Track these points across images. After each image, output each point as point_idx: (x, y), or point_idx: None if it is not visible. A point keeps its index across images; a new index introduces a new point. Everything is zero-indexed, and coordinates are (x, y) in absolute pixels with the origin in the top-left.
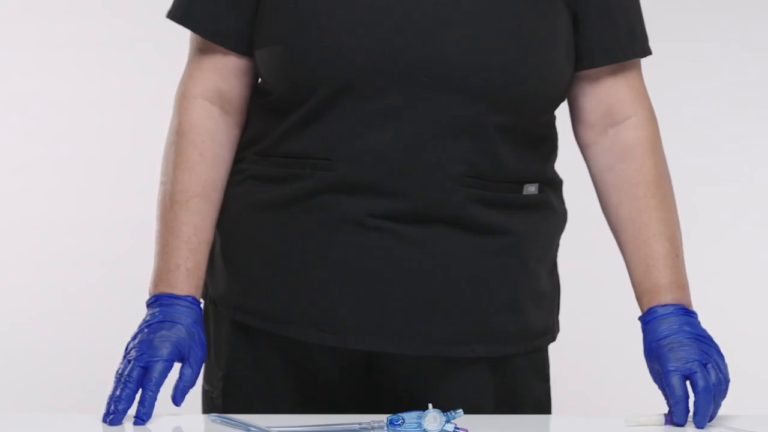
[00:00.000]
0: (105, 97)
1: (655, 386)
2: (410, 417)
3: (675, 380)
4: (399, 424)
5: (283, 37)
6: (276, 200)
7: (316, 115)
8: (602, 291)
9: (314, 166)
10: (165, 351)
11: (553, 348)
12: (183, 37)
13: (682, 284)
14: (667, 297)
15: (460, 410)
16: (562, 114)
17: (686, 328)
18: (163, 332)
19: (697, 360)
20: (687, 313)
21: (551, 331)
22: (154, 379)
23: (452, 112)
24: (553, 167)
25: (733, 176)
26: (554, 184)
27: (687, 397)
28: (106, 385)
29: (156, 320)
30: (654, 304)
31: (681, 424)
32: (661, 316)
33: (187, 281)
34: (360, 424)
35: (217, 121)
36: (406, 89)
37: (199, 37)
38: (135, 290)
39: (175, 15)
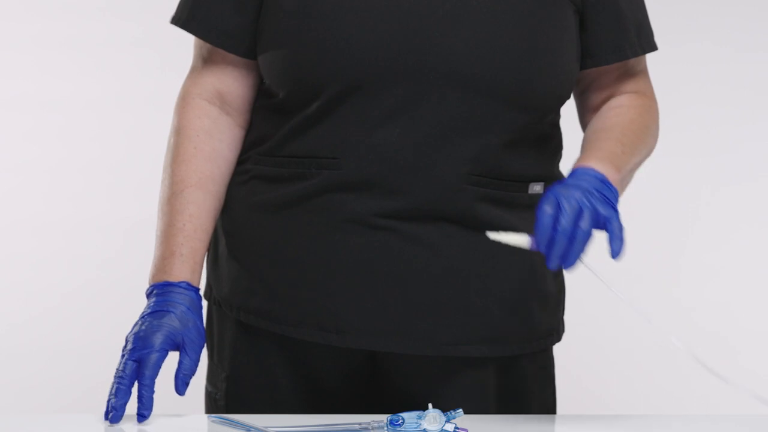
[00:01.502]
0: (104, 97)
1: (660, 387)
2: (410, 417)
3: (545, 206)
4: (399, 424)
5: (287, 40)
6: (281, 200)
7: (322, 115)
8: (606, 291)
9: (320, 166)
10: (156, 341)
11: (556, 348)
12: (183, 38)
13: (616, 166)
14: (595, 164)
15: (460, 410)
16: (566, 113)
17: (593, 184)
18: (154, 323)
19: (575, 199)
20: (603, 181)
21: (556, 331)
22: (147, 373)
23: (458, 111)
24: (558, 166)
25: (740, 176)
26: None
27: (551, 227)
28: (103, 385)
29: (149, 311)
30: (577, 165)
31: (540, 250)
32: (576, 172)
33: (182, 267)
34: (360, 424)
35: (215, 119)
36: (413, 88)
37: (201, 42)
38: (131, 290)
39: (178, 20)
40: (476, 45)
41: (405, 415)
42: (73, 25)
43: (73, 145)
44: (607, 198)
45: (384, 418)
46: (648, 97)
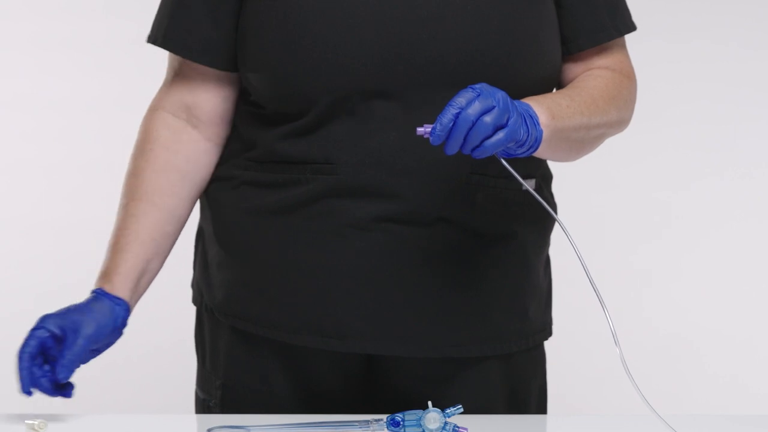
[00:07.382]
0: (104, 97)
1: (653, 385)
2: (410, 416)
3: (462, 92)
4: (399, 424)
5: (272, 58)
6: (275, 206)
7: (315, 124)
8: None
9: (315, 171)
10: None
11: (546, 345)
12: None
13: (553, 112)
14: (530, 101)
15: (460, 406)
16: None
17: (521, 104)
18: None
19: (490, 93)
20: (528, 109)
21: (548, 326)
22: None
23: None
24: (547, 163)
25: (740, 176)
26: (547, 178)
27: (448, 118)
28: (103, 385)
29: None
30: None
31: (432, 135)
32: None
33: (99, 280)
34: (360, 422)
35: (175, 131)
36: (405, 92)
37: (173, 55)
38: None
39: (155, 39)
40: (463, 46)
41: (405, 414)
42: (73, 25)
43: (73, 145)
44: (524, 119)
45: (384, 417)
46: (623, 74)
